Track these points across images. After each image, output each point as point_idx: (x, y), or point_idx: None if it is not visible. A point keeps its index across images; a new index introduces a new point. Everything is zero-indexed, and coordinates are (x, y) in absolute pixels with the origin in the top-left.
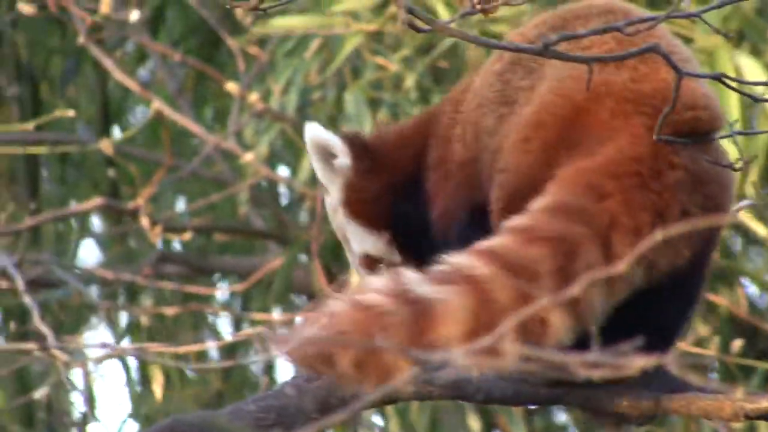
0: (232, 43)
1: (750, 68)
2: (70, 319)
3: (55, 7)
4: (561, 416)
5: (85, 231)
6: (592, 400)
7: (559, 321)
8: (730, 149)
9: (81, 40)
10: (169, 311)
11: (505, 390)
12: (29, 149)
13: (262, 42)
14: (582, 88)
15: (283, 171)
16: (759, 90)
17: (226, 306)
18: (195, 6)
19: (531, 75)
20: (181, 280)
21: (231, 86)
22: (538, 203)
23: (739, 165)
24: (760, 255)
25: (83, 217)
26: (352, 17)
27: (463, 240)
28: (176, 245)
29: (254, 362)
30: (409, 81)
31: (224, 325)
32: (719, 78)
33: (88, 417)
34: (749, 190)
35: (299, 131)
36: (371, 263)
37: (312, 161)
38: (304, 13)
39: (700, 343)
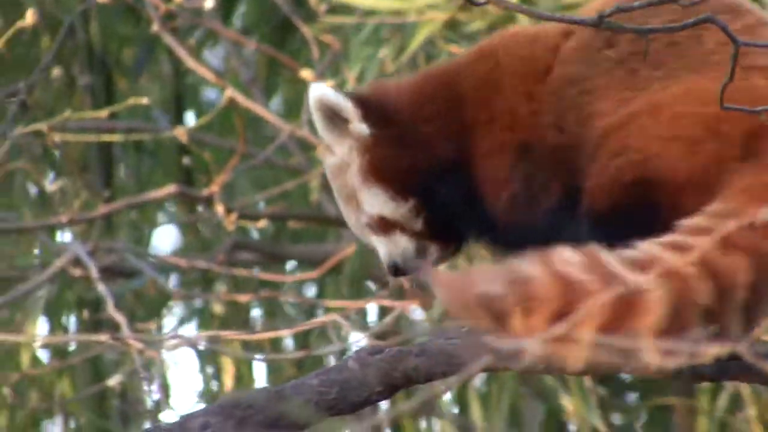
0: (305, 30)
1: None
2: (143, 308)
3: None
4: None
5: (159, 218)
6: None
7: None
8: None
9: (155, 27)
10: (243, 298)
11: None
12: (103, 137)
13: (335, 29)
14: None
15: None
16: None
17: (300, 294)
18: None
19: (663, 66)
20: (255, 268)
21: (306, 73)
22: (722, 209)
23: None
24: None
25: (157, 204)
26: (427, 5)
27: (552, 226)
28: (246, 233)
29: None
30: None
31: (298, 313)
32: None
33: (161, 405)
34: None
35: None
36: (387, 227)
37: (315, 120)
38: None
39: None
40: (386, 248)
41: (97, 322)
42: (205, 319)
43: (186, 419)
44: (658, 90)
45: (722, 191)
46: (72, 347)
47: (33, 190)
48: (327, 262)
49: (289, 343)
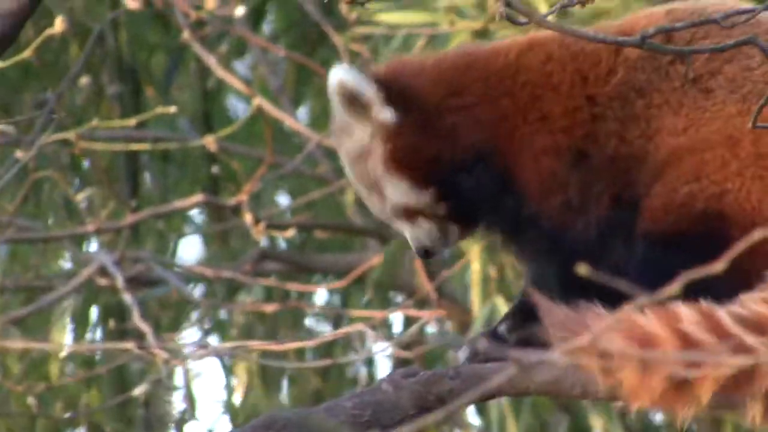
0: (336, 38)
1: None
2: (169, 317)
3: (160, 1)
4: (658, 416)
5: (186, 228)
6: None
7: None
8: None
9: (185, 35)
10: (269, 308)
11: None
12: (130, 146)
13: (366, 38)
14: None
15: None
16: None
17: (326, 304)
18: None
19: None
20: (282, 278)
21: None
22: None
23: None
24: None
25: (184, 214)
26: (457, 14)
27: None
28: (274, 242)
29: (355, 360)
30: None
31: (323, 324)
32: None
33: (187, 415)
34: None
35: None
36: (411, 214)
37: (334, 103)
38: (407, 8)
39: None
40: (413, 233)
41: (122, 332)
42: (228, 329)
43: None
44: (734, 116)
45: None
46: (98, 357)
47: (60, 199)
48: (353, 272)
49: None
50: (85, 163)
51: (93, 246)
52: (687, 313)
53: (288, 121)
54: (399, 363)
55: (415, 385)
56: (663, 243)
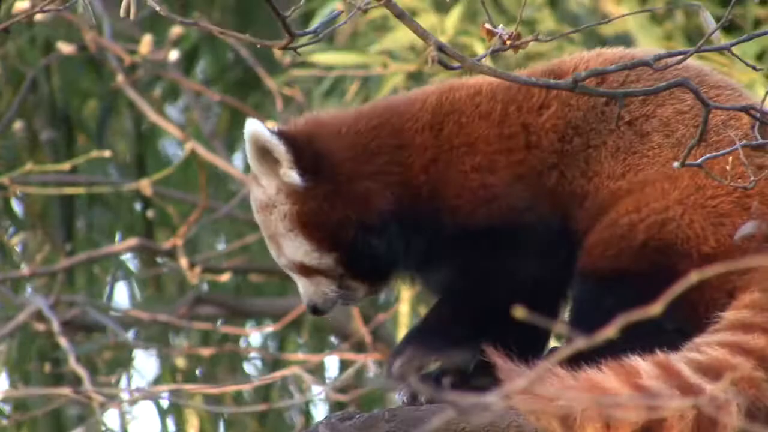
0: (269, 82)
1: None
2: (105, 361)
3: (94, 46)
4: None
5: (119, 272)
6: None
7: None
8: None
9: (119, 79)
10: (206, 352)
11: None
12: (64, 190)
13: (299, 81)
14: None
15: None
16: None
17: (262, 348)
18: (232, 45)
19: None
20: (217, 322)
21: (270, 125)
22: (764, 300)
23: None
24: None
25: (118, 259)
26: (390, 56)
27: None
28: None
29: (292, 405)
30: None
31: (258, 368)
32: (747, 110)
33: None
34: None
35: None
36: (308, 272)
37: (247, 151)
38: (341, 50)
39: None
40: (306, 289)
41: (58, 376)
42: (165, 373)
43: None
44: (671, 160)
45: (754, 276)
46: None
47: None
48: (288, 315)
49: (250, 396)
50: (18, 208)
51: (27, 290)
52: (645, 368)
53: (222, 165)
54: (336, 406)
55: (352, 429)
56: (603, 281)
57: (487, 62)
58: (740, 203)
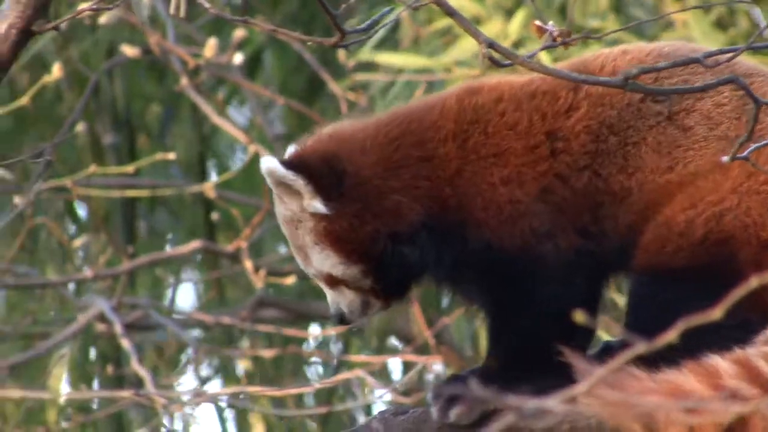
0: (334, 86)
1: None
2: (166, 364)
3: (157, 49)
4: None
5: (182, 276)
6: None
7: None
8: None
9: (183, 82)
10: (268, 354)
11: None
12: (128, 192)
13: (363, 86)
14: None
15: None
16: None
17: (324, 350)
18: (296, 47)
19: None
20: (280, 325)
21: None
22: None
23: None
24: None
25: (181, 261)
26: (455, 62)
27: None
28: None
29: (354, 407)
30: None
31: (319, 373)
32: None
33: None
34: None
35: None
36: (334, 282)
37: (269, 184)
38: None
39: None
40: (332, 298)
41: (120, 378)
42: (228, 377)
43: None
44: (719, 153)
45: None
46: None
47: (57, 246)
48: None
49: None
50: (82, 212)
51: (90, 293)
52: (725, 367)
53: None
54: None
55: (405, 423)
56: (661, 276)
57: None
58: None
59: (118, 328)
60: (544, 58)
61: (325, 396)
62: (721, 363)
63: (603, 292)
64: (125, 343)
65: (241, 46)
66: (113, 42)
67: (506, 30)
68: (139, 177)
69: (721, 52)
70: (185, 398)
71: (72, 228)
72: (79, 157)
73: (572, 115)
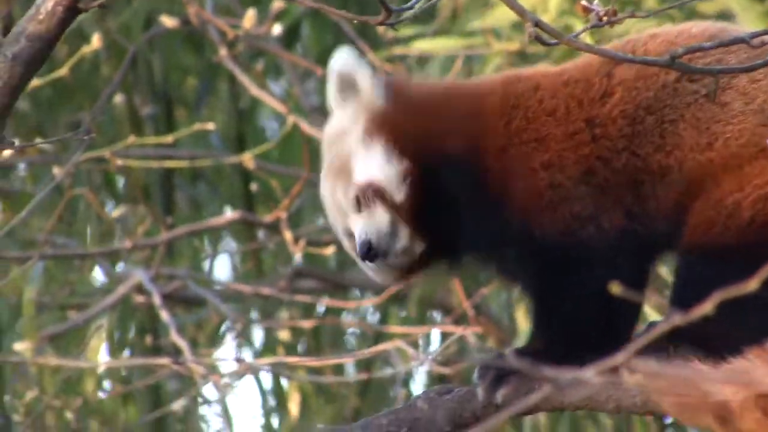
0: (372, 57)
1: None
2: (205, 335)
3: (196, 20)
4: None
5: (220, 246)
6: None
7: None
8: None
9: (222, 53)
10: (306, 324)
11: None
12: (165, 163)
13: (402, 59)
14: None
15: None
16: None
17: (363, 321)
18: (335, 19)
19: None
20: (318, 296)
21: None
22: None
23: None
24: None
25: (218, 232)
26: (494, 35)
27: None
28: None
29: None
30: None
31: (353, 344)
32: None
33: None
34: None
35: None
36: (370, 197)
37: (329, 84)
38: (441, 35)
39: None
40: (363, 226)
41: (158, 349)
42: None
43: None
44: (758, 126)
45: None
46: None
47: (96, 216)
48: (389, 289)
49: (351, 371)
50: (120, 183)
51: (128, 264)
52: None
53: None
54: (437, 379)
55: (450, 403)
56: (707, 256)
57: (585, 39)
58: None
59: (156, 299)
60: (587, 38)
61: (364, 367)
62: None
63: (649, 273)
64: (163, 315)
65: (278, 17)
66: (152, 13)
67: (546, 3)
68: (177, 148)
69: (766, 32)
70: (224, 368)
71: (110, 200)
72: (117, 129)
73: (607, 101)
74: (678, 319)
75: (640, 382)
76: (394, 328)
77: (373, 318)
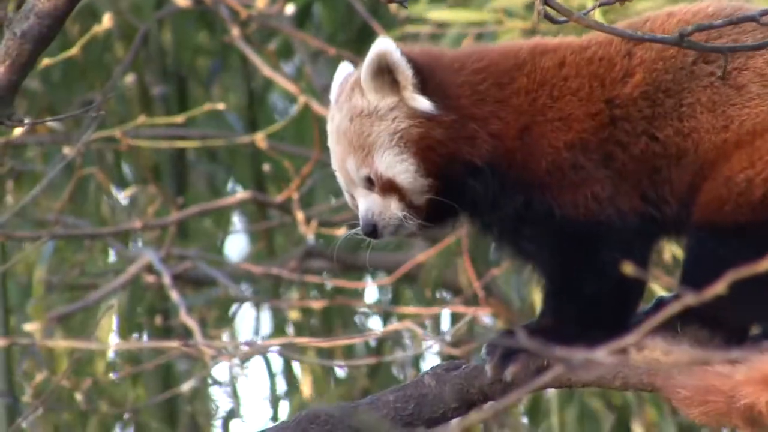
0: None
1: None
2: (215, 315)
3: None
4: None
5: (231, 226)
6: None
7: None
8: None
9: (235, 32)
10: (316, 304)
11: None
12: (177, 143)
13: (414, 37)
14: None
15: None
16: None
17: (375, 302)
18: None
19: None
20: (328, 276)
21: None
22: None
23: None
24: None
25: (229, 213)
26: (505, 13)
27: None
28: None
29: (404, 357)
30: None
31: (372, 323)
32: None
33: (233, 413)
34: None
35: None
36: (387, 190)
37: (366, 65)
38: (455, 7)
39: None
40: (369, 206)
41: (168, 329)
42: (277, 329)
43: None
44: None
45: None
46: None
47: (106, 196)
48: (400, 269)
49: (362, 351)
50: (127, 166)
51: (136, 244)
52: None
53: None
54: (448, 360)
55: (458, 379)
56: (719, 233)
57: (595, 17)
58: None
59: (166, 279)
60: (598, 16)
61: (375, 349)
62: None
63: (652, 254)
64: (173, 295)
65: None
66: None
67: None
68: (188, 128)
69: None
70: (234, 349)
71: (120, 179)
72: (128, 108)
73: (628, 81)
74: (690, 298)
75: (653, 362)
76: (405, 309)
77: (383, 299)
